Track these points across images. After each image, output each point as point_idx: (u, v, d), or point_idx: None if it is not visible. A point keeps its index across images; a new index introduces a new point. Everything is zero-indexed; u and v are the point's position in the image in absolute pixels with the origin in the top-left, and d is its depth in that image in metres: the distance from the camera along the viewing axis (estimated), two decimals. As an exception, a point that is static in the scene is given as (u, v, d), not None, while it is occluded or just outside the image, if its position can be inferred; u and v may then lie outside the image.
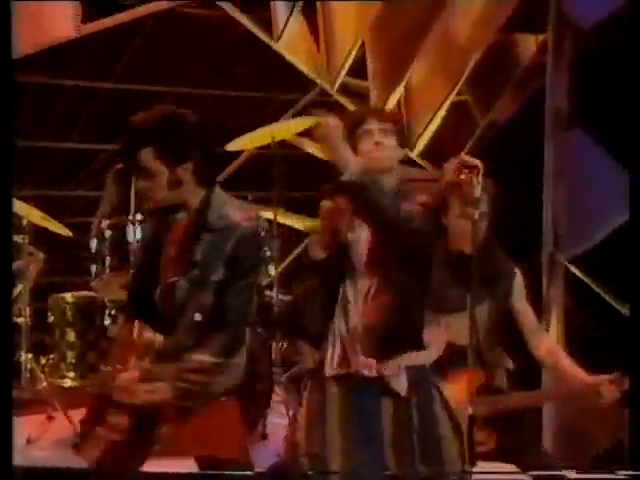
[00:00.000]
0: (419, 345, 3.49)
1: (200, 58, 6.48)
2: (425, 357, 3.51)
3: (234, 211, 3.30)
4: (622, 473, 3.37)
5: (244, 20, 5.89)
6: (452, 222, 3.86)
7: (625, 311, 5.75)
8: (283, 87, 6.68)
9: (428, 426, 3.47)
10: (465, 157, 3.47)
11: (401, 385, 3.44)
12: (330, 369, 3.46)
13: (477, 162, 3.43)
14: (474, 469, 3.61)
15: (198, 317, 3.28)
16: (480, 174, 3.42)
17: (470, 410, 3.51)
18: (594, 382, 3.89)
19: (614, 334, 5.70)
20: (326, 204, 3.49)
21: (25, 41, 5.31)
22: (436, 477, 3.53)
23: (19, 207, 5.55)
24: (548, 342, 4.15)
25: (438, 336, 3.63)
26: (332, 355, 3.46)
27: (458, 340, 3.74)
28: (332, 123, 3.40)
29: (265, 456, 4.99)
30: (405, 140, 3.83)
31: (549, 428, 5.65)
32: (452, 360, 3.76)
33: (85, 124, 6.46)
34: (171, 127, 3.15)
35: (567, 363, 4.03)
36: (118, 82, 6.32)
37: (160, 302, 3.31)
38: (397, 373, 3.44)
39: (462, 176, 3.40)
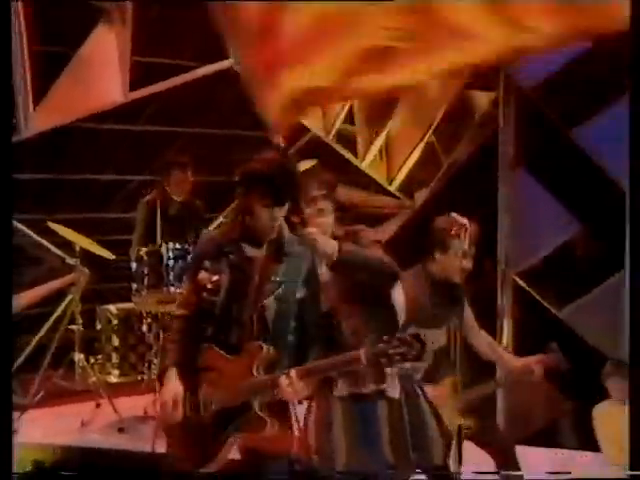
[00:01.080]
0: None
1: (214, 107, 6.76)
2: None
3: (293, 236, 3.46)
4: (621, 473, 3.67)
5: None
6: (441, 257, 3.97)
7: (559, 314, 6.34)
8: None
9: (416, 418, 3.65)
10: (455, 216, 3.66)
11: (395, 391, 3.63)
12: (340, 391, 3.59)
13: (465, 221, 3.63)
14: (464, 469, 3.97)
15: (292, 324, 3.41)
16: (468, 231, 3.60)
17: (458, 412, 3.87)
18: (525, 363, 4.21)
19: (548, 330, 6.25)
20: None
21: (80, 105, 5.84)
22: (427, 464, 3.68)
23: (70, 234, 6.00)
24: (487, 338, 4.37)
25: None
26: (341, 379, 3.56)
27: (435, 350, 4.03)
28: None
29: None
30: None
31: (502, 411, 6.21)
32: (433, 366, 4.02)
33: (118, 159, 6.75)
34: None
35: (502, 352, 4.39)
36: (145, 125, 6.62)
37: (258, 322, 3.36)
38: (394, 385, 3.62)
39: (453, 232, 3.60)
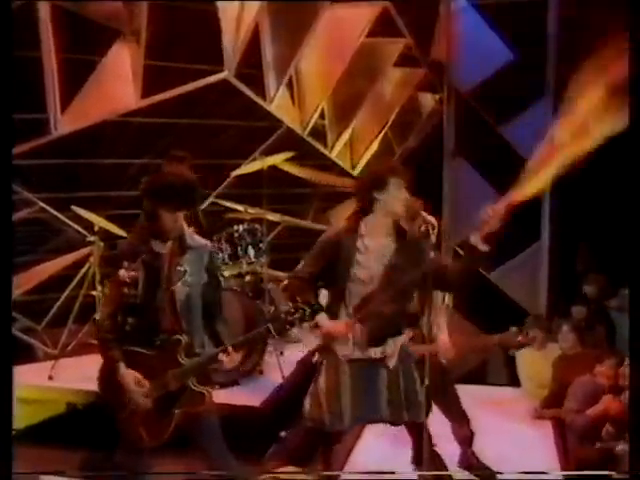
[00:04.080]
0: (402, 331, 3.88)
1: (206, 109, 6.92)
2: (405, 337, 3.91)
3: (191, 233, 3.86)
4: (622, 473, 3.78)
5: (244, 88, 6.58)
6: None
7: (489, 275, 7.06)
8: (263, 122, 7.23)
9: (409, 383, 3.90)
10: (425, 215, 3.74)
11: (393, 361, 3.89)
12: (347, 353, 3.84)
13: (433, 220, 3.73)
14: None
15: (199, 304, 3.81)
16: (435, 229, 3.69)
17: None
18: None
19: (481, 289, 6.92)
20: None
21: (100, 111, 6.15)
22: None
23: (92, 217, 6.22)
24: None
25: None
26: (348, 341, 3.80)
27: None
28: None
29: (262, 386, 5.74)
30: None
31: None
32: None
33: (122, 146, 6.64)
34: None
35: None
36: (145, 117, 6.66)
37: (170, 305, 3.79)
38: (393, 354, 3.88)
39: (422, 228, 3.67)
